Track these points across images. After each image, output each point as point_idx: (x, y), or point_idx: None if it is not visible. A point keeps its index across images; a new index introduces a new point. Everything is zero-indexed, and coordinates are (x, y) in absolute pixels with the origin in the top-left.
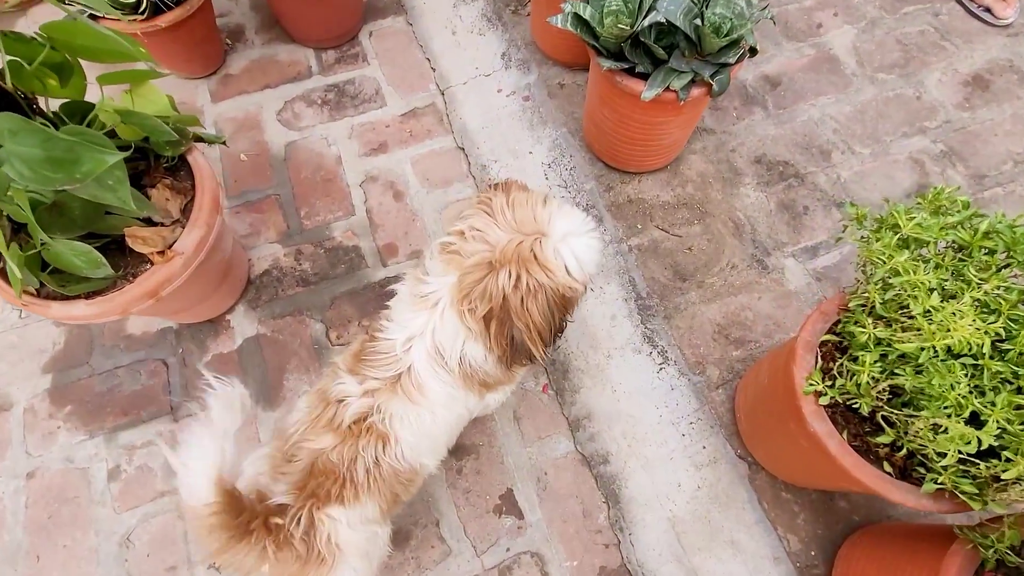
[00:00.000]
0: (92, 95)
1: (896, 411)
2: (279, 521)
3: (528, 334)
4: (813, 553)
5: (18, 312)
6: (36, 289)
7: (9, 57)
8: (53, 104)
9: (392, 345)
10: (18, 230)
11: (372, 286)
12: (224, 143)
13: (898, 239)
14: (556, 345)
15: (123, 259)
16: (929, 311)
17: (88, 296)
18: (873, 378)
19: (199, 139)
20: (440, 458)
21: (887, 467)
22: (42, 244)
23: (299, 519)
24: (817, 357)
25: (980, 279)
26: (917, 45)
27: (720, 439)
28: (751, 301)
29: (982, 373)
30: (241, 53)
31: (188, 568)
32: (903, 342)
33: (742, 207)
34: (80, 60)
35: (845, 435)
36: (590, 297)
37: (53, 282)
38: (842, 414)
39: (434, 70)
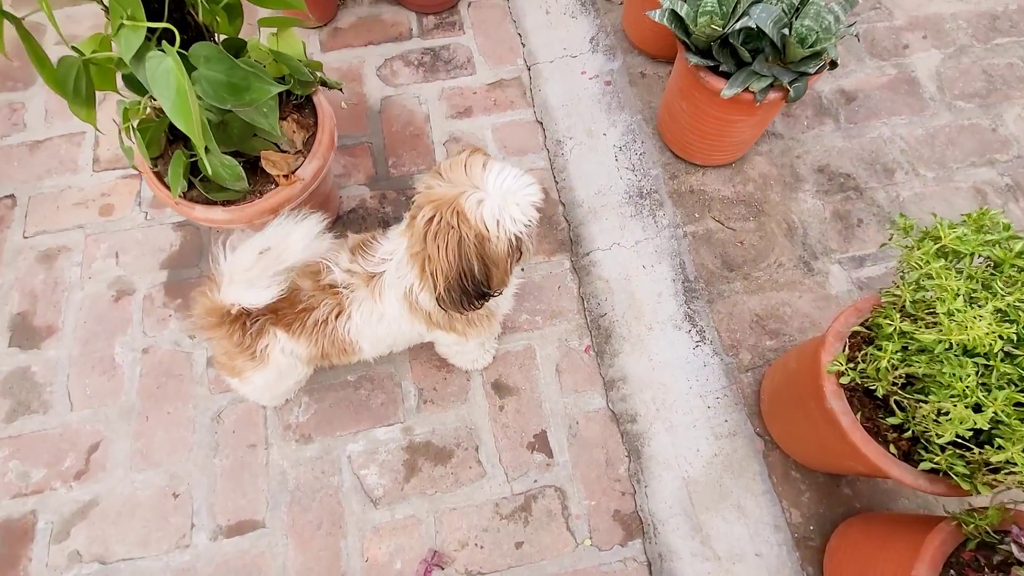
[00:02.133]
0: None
1: (907, 396)
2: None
3: (432, 268)
4: (812, 527)
5: (144, 214)
6: (183, 193)
7: None
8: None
9: (379, 251)
10: (173, 142)
11: None
12: (340, 89)
13: (937, 249)
14: (475, 302)
15: (253, 178)
16: (952, 312)
17: (224, 204)
18: (892, 365)
19: (323, 83)
20: (378, 353)
21: (892, 449)
22: (207, 152)
23: (257, 321)
24: (845, 346)
25: (1006, 291)
26: (1003, 77)
27: (742, 416)
28: (792, 298)
29: (991, 372)
30: (351, 10)
31: (265, 447)
32: (924, 335)
33: (798, 211)
34: (243, 5)
35: (859, 416)
36: (640, 273)
37: (201, 187)
38: (859, 398)
39: (524, 45)
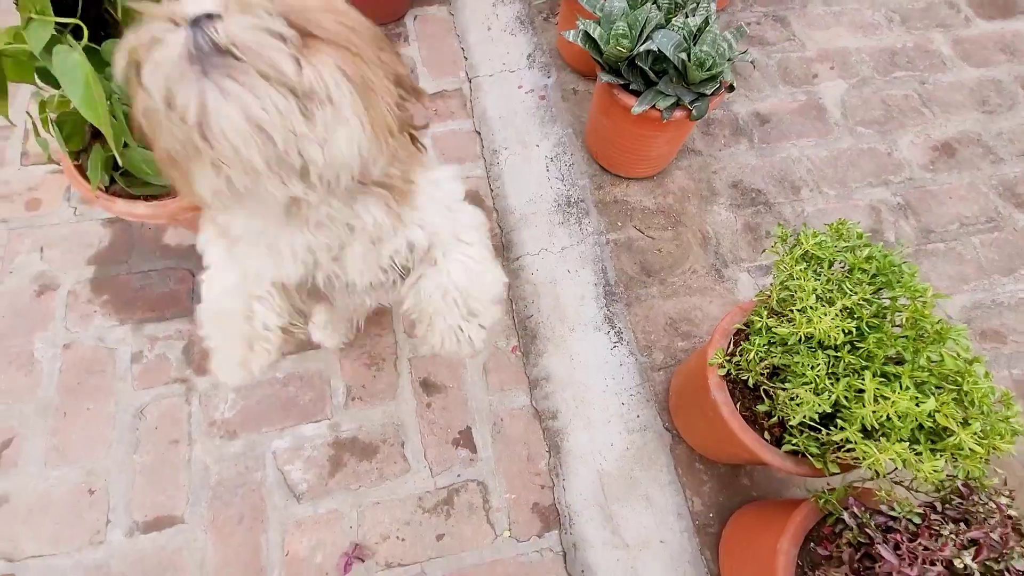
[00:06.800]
0: None
1: (771, 385)
2: None
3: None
4: (712, 515)
5: (73, 209)
6: (105, 187)
7: None
8: None
9: None
10: (97, 135)
11: None
12: None
13: (801, 254)
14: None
15: None
16: (805, 309)
17: (147, 199)
18: (759, 356)
19: None
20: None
21: (767, 436)
22: (125, 146)
23: None
24: (730, 343)
25: (852, 291)
26: (899, 107)
27: (653, 412)
28: (703, 303)
29: (840, 363)
30: None
31: (188, 443)
32: (780, 329)
33: (712, 222)
34: None
35: (739, 406)
36: (566, 277)
37: (123, 181)
38: (740, 390)
39: (466, 59)
